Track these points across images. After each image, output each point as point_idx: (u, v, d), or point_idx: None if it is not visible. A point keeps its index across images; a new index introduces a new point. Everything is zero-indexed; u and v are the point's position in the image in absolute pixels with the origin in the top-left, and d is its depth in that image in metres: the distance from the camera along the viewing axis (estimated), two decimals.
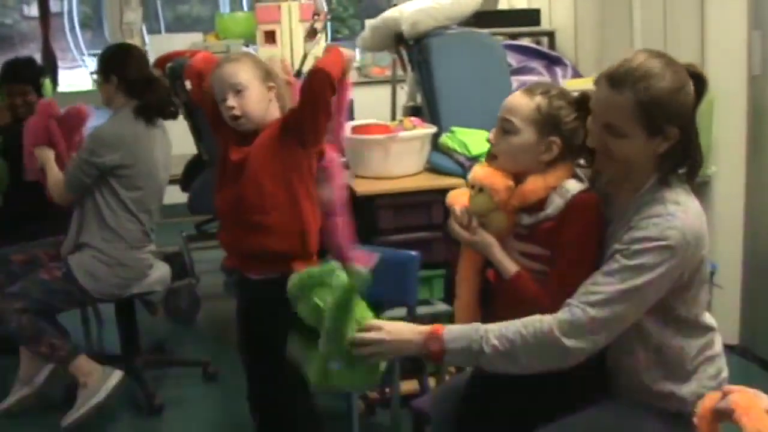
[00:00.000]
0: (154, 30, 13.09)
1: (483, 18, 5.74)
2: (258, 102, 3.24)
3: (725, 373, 2.56)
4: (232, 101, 3.20)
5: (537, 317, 2.33)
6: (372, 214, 4.27)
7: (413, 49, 4.93)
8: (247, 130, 3.27)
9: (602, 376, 2.55)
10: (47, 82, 5.03)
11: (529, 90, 2.62)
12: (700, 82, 2.39)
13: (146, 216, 4.33)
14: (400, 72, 5.69)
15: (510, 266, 2.55)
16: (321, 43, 6.27)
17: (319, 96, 3.13)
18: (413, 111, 5.13)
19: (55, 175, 4.30)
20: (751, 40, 4.56)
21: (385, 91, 5.95)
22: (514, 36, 6.25)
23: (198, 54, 3.61)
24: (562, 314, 2.31)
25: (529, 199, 2.54)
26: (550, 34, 6.29)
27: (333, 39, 8.83)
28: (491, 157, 2.64)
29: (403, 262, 3.50)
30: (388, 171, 4.37)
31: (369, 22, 5.35)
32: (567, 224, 2.49)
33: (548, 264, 2.53)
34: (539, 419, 2.49)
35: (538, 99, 2.57)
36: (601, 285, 2.31)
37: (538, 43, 6.38)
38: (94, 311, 5.49)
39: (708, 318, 2.55)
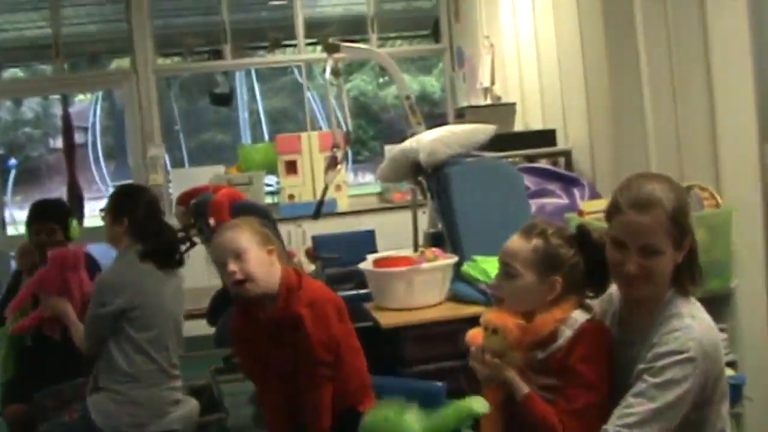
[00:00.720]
0: (176, 159, 13.37)
1: (499, 141, 5.82)
2: (260, 265, 3.32)
3: None
4: (233, 266, 3.28)
5: None
6: (398, 346, 4.30)
7: (432, 178, 5.03)
8: (251, 296, 3.36)
9: None
10: (74, 222, 5.07)
11: (526, 232, 2.75)
12: None
13: (164, 354, 4.28)
14: (420, 197, 5.76)
15: (522, 387, 2.61)
16: (342, 172, 6.42)
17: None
18: (434, 237, 5.21)
19: (79, 329, 4.29)
20: (763, 153, 4.61)
21: (406, 216, 6.02)
22: (531, 157, 6.32)
23: (222, 190, 3.70)
24: None
25: (540, 334, 2.63)
26: (567, 154, 6.36)
27: (354, 162, 8.96)
28: (498, 300, 2.75)
29: (430, 392, 3.51)
30: (412, 302, 4.43)
31: (388, 154, 5.46)
32: (573, 350, 2.59)
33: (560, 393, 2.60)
34: None
35: (535, 241, 2.70)
36: (635, 407, 2.40)
37: (555, 163, 6.45)
38: None
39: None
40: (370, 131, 13.96)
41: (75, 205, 9.01)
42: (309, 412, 3.37)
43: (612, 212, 2.56)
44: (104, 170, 14.09)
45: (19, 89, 11.16)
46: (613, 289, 2.77)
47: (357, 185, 9.36)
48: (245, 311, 3.49)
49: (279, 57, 10.00)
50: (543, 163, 6.30)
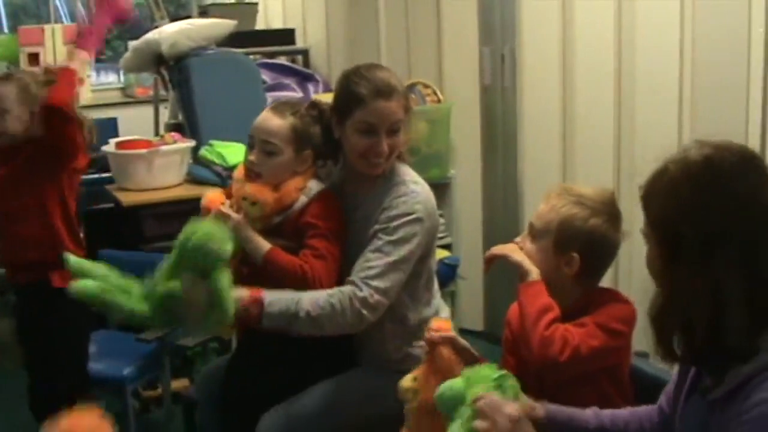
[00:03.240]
0: None
1: (241, 38, 5.99)
2: (16, 122, 3.46)
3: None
4: None
5: (336, 290, 2.66)
6: (138, 224, 4.51)
7: (174, 69, 5.19)
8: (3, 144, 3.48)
9: (352, 348, 2.92)
10: None
11: (278, 111, 2.90)
12: None
13: None
14: (162, 92, 5.90)
15: (264, 244, 2.78)
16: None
17: (61, 135, 3.38)
18: (175, 128, 5.36)
19: None
20: (481, 55, 5.01)
21: (148, 110, 6.12)
22: (271, 55, 6.49)
23: None
24: (354, 289, 2.65)
25: (285, 203, 2.83)
26: (305, 52, 6.58)
27: (97, 61, 8.83)
28: (255, 175, 2.87)
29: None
30: (152, 183, 4.64)
31: (131, 44, 5.57)
32: (307, 210, 2.82)
33: (293, 253, 2.81)
34: (299, 389, 2.81)
35: (291, 119, 2.87)
36: (373, 261, 2.68)
37: (293, 61, 6.68)
38: None
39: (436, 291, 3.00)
40: (114, 31, 13.71)
41: None
42: None
43: (354, 104, 2.75)
44: None
45: None
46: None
47: (100, 85, 9.19)
48: None
49: None
50: (282, 60, 6.51)
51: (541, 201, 2.49)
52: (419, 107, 5.06)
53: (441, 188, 5.09)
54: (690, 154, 1.77)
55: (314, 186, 2.87)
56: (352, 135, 2.78)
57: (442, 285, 4.65)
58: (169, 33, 5.06)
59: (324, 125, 2.90)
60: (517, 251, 2.46)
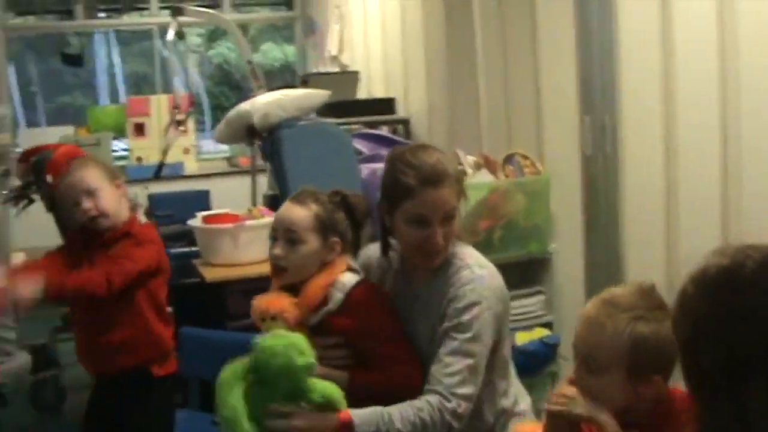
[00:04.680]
0: (32, 122, 13.15)
1: (341, 108, 5.95)
2: (111, 200, 3.42)
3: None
4: (88, 203, 3.36)
5: (424, 402, 2.51)
6: (222, 300, 4.42)
7: (267, 140, 5.12)
8: (102, 228, 3.43)
9: None
10: None
11: (299, 200, 2.79)
12: None
13: None
14: (260, 163, 5.85)
15: (341, 375, 2.64)
16: (189, 134, 6.42)
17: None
18: (273, 199, 5.30)
19: None
20: (582, 125, 4.83)
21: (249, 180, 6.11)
22: (372, 124, 6.44)
23: (61, 148, 3.75)
24: (443, 401, 2.50)
25: (312, 303, 2.69)
26: (405, 122, 6.51)
27: (214, 128, 8.92)
28: (279, 270, 2.76)
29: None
30: (237, 258, 4.55)
31: (226, 116, 5.53)
32: (356, 316, 2.68)
33: (346, 347, 2.69)
34: None
35: (314, 207, 2.75)
36: (454, 365, 2.53)
37: (395, 131, 6.60)
38: None
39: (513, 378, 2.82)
40: (233, 98, 13.90)
41: None
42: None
43: (402, 194, 2.61)
44: None
45: None
46: (373, 251, 2.91)
47: (216, 151, 9.29)
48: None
49: (132, 20, 9.92)
50: (383, 131, 6.43)
51: (582, 324, 2.19)
52: (517, 180, 4.89)
53: (541, 263, 4.94)
54: (708, 268, 1.56)
55: (347, 280, 2.73)
56: (403, 226, 2.64)
57: (542, 365, 4.47)
58: (261, 104, 5.00)
59: (348, 210, 2.80)
60: (578, 400, 2.15)
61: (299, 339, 2.44)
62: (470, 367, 2.52)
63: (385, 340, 2.67)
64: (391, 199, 2.66)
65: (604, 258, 4.82)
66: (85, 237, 3.47)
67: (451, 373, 2.51)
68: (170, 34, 5.99)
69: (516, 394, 2.77)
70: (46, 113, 14.41)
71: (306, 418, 2.45)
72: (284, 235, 2.74)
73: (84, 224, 3.43)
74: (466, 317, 2.55)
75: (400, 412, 2.48)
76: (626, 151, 4.56)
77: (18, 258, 5.64)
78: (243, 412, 2.42)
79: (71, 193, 3.41)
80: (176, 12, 5.92)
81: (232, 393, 2.44)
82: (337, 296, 2.69)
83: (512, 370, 2.80)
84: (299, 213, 2.75)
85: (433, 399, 2.50)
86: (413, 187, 2.58)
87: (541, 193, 4.98)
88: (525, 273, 5.00)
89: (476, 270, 2.63)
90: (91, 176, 3.42)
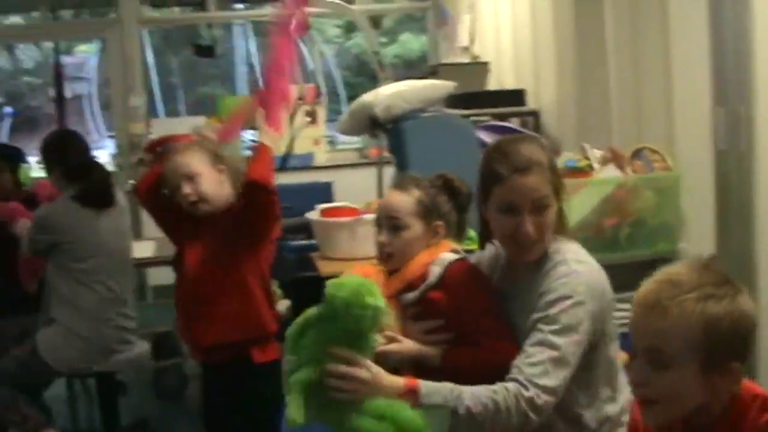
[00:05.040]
0: (172, 113, 13.41)
1: (470, 99, 5.86)
2: (212, 185, 3.39)
3: None
4: (187, 188, 3.36)
5: (500, 386, 2.41)
6: None
7: (390, 132, 5.07)
8: (203, 213, 3.43)
9: None
10: (24, 167, 5.19)
11: (401, 186, 2.81)
12: None
13: (105, 286, 4.43)
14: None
15: (434, 354, 2.63)
16: (319, 125, 6.39)
17: (260, 211, 3.37)
18: None
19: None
20: (716, 117, 4.63)
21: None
22: (501, 116, 6.33)
23: (184, 138, 3.76)
24: (520, 388, 2.39)
25: (411, 276, 2.70)
26: (535, 114, 6.38)
27: (330, 120, 8.91)
28: (386, 256, 2.77)
29: None
30: (354, 252, 4.48)
31: (350, 107, 5.50)
32: (453, 291, 2.64)
33: (447, 331, 2.64)
34: None
35: (416, 193, 2.76)
36: (536, 356, 2.43)
37: (524, 123, 6.47)
38: (82, 386, 5.58)
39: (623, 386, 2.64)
40: (371, 90, 13.89)
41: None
42: None
43: (493, 182, 2.57)
44: (99, 120, 14.11)
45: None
46: (484, 252, 2.85)
47: (350, 142, 9.29)
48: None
49: (263, 11, 9.96)
50: (512, 123, 6.32)
51: (639, 311, 1.92)
52: (646, 175, 4.71)
53: (669, 262, 4.63)
54: None
55: (447, 256, 2.72)
56: (495, 215, 2.59)
57: None
58: (383, 95, 4.96)
59: (451, 194, 2.80)
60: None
61: (372, 283, 2.36)
62: (554, 360, 2.41)
63: (481, 314, 2.62)
64: (484, 188, 2.62)
65: (735, 259, 4.61)
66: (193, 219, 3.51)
67: (533, 363, 2.42)
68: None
69: (626, 401, 2.64)
70: (187, 104, 14.68)
71: (371, 371, 2.37)
72: (388, 222, 2.76)
73: (185, 208, 3.43)
74: (554, 310, 2.46)
75: (471, 391, 2.39)
76: (762, 145, 4.36)
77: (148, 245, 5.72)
78: (302, 361, 2.36)
79: (172, 178, 3.44)
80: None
81: (297, 342, 2.40)
82: (436, 270, 2.68)
83: (623, 378, 2.66)
84: (401, 199, 2.76)
85: (511, 385, 2.40)
86: (503, 174, 2.54)
87: (670, 190, 4.79)
88: (651, 273, 4.81)
89: (573, 265, 2.54)
90: (192, 161, 3.45)
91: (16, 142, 8.65)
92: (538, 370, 2.40)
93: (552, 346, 2.42)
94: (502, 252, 2.76)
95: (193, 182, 3.42)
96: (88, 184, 4.46)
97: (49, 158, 4.55)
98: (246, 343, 3.47)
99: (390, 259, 2.76)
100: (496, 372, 2.46)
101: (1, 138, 13.21)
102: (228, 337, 3.46)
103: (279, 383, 2.48)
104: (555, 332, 2.43)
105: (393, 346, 2.62)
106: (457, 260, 2.73)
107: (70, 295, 4.38)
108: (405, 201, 2.75)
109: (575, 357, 2.46)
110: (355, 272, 2.57)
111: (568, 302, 2.46)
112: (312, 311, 2.40)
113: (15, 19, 10.95)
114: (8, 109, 14.38)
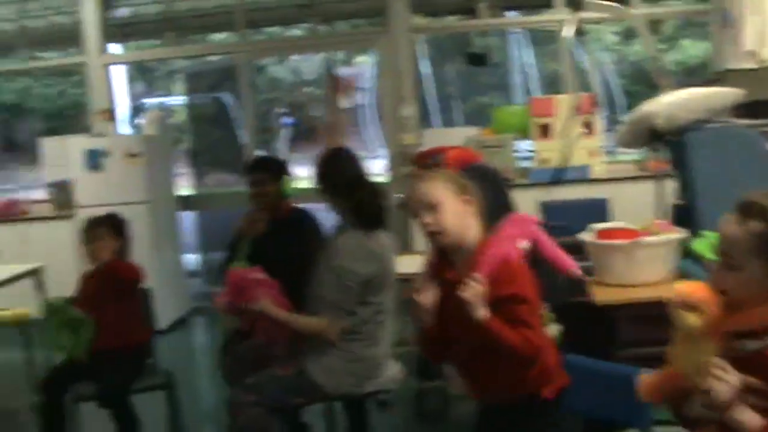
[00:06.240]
0: (449, 123, 13.38)
1: (760, 108, 5.43)
2: (454, 216, 3.16)
3: None
4: (427, 218, 3.14)
5: None
6: (611, 324, 4.08)
7: (671, 145, 4.72)
8: (447, 246, 3.19)
9: None
10: (288, 179, 5.11)
11: (743, 211, 2.27)
12: None
13: (387, 314, 4.28)
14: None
15: (753, 420, 2.22)
16: (596, 136, 6.04)
17: None
18: (680, 210, 4.90)
19: (294, 320, 4.30)
20: None
21: (659, 186, 5.68)
22: None
23: (451, 152, 3.56)
24: None
25: (750, 325, 2.27)
26: None
27: (607, 131, 8.56)
28: (721, 293, 2.32)
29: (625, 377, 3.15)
30: (631, 279, 4.17)
31: (626, 118, 5.19)
32: None
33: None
34: None
35: (753, 223, 2.24)
36: None
37: None
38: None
39: None
40: (650, 98, 13.46)
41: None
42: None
43: None
44: (375, 131, 14.31)
45: (274, 48, 11.45)
46: None
47: (627, 153, 8.90)
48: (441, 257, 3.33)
49: (535, 18, 9.69)
50: None
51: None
52: None
53: None
54: None
55: None
56: None
57: None
58: (664, 104, 4.64)
59: None
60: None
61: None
62: None
63: None
64: None
65: None
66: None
67: None
68: (568, 31, 5.66)
69: None
70: (465, 114, 14.63)
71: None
72: (721, 255, 2.35)
73: (426, 238, 3.23)
74: None
75: None
76: None
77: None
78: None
79: (414, 206, 3.22)
80: (576, 7, 5.60)
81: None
82: None
83: None
84: (733, 231, 2.29)
85: None
86: None
87: None
88: None
89: None
90: (434, 190, 3.20)
91: (296, 152, 8.77)
92: None
93: None
94: None
95: (434, 212, 3.20)
96: (357, 204, 4.28)
97: (320, 174, 4.42)
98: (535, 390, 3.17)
99: (725, 295, 2.33)
100: None
101: (282, 147, 13.54)
102: (515, 392, 3.16)
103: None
104: None
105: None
106: None
107: (362, 327, 4.23)
108: (738, 234, 2.27)
109: None
110: (696, 290, 2.36)
111: None
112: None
113: (295, 31, 11.16)
114: (290, 120, 14.77)
